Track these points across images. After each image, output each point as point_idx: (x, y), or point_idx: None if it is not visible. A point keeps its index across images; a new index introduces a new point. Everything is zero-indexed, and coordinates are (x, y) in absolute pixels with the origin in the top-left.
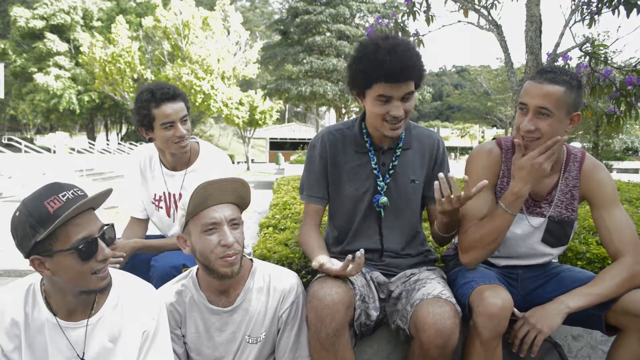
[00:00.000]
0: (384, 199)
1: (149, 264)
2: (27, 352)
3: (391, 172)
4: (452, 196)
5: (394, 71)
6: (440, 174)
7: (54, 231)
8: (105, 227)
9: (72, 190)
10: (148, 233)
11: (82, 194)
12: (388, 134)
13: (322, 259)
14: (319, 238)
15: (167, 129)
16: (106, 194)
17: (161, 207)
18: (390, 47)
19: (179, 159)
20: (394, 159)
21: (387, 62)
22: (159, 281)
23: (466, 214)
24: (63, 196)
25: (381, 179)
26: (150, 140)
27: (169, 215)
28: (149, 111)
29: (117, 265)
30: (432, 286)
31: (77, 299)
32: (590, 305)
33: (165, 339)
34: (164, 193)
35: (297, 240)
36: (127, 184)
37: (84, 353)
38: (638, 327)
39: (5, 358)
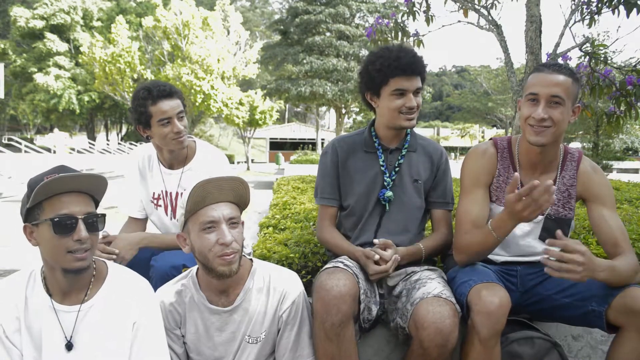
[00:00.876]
0: (389, 193)
1: (149, 263)
2: (26, 334)
3: (397, 169)
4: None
5: (408, 64)
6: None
7: (41, 202)
8: (93, 215)
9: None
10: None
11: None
12: (404, 125)
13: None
14: (342, 236)
15: (164, 125)
16: (95, 178)
17: (160, 206)
18: (399, 47)
19: (176, 156)
20: (399, 157)
21: (402, 57)
22: (159, 281)
23: (461, 215)
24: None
25: (388, 175)
26: (148, 138)
27: (166, 214)
28: (145, 109)
29: (119, 262)
30: (432, 285)
31: (65, 278)
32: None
33: (158, 332)
34: (162, 191)
35: (319, 238)
36: (126, 183)
37: (71, 337)
38: (637, 324)
39: (7, 339)
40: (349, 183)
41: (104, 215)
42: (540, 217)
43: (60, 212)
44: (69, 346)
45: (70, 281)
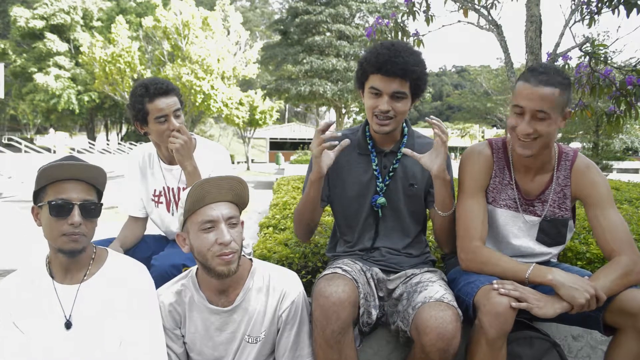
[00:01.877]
0: (381, 200)
1: (149, 263)
2: (30, 317)
3: (391, 174)
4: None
5: (385, 64)
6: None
7: (46, 186)
8: (90, 202)
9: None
10: (147, 232)
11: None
12: (375, 129)
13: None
14: None
15: (160, 122)
16: (93, 168)
17: (161, 202)
18: (389, 45)
19: None
20: (395, 161)
21: (380, 55)
22: (159, 280)
23: (465, 217)
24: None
25: (381, 180)
26: (145, 134)
27: (168, 210)
28: (143, 106)
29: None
30: (434, 289)
31: (64, 257)
32: None
33: (151, 313)
34: (164, 187)
35: (295, 214)
36: (126, 182)
37: (70, 315)
38: (634, 326)
39: (14, 325)
40: (339, 185)
41: (100, 204)
42: (536, 219)
43: (59, 196)
44: (68, 325)
45: (69, 260)
